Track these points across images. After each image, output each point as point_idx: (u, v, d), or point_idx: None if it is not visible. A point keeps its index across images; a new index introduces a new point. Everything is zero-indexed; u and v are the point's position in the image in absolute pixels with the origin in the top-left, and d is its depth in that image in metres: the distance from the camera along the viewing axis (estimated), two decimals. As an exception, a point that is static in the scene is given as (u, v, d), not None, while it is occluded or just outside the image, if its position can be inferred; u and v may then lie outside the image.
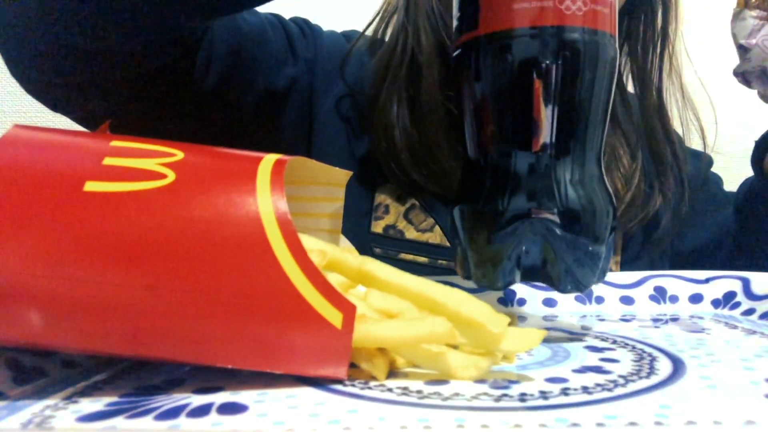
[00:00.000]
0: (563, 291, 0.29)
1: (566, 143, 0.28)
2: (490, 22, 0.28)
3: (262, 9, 0.59)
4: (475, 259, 0.30)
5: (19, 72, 0.45)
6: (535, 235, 0.28)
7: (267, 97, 0.56)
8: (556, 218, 0.28)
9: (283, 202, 0.22)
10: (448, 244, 0.55)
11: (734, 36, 0.48)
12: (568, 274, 0.29)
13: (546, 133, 0.28)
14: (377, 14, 0.61)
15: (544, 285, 0.41)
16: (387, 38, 0.59)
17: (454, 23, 0.30)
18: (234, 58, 0.52)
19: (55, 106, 0.49)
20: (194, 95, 0.51)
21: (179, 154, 0.24)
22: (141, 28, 0.41)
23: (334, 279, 0.25)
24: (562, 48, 0.27)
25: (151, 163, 0.23)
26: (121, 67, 0.45)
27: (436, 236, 0.55)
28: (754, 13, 0.47)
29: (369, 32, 0.61)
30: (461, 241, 0.31)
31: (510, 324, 0.23)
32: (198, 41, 0.49)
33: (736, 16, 0.48)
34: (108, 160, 0.22)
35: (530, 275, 0.30)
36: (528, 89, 0.28)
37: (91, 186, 0.21)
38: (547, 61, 0.27)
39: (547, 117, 0.28)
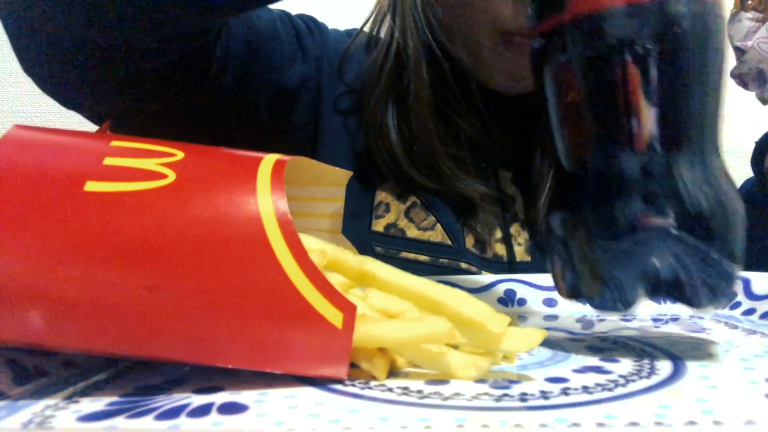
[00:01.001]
0: (699, 306, 0.25)
1: (681, 136, 0.25)
2: (579, 3, 0.24)
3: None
4: (588, 277, 0.26)
5: (33, 68, 0.45)
6: (658, 247, 0.24)
7: (278, 95, 0.56)
8: (678, 225, 0.24)
9: (284, 201, 0.22)
10: (449, 242, 0.55)
11: (730, 38, 0.48)
12: (702, 287, 0.25)
13: (656, 128, 0.24)
14: (371, 14, 0.61)
15: (544, 284, 0.41)
16: (382, 37, 0.60)
17: (530, 9, 0.27)
18: (250, 55, 0.53)
19: (68, 104, 0.49)
20: (210, 93, 0.51)
21: (179, 154, 0.24)
22: (158, 24, 0.41)
23: (335, 279, 0.25)
24: (666, 25, 0.24)
25: (152, 163, 0.23)
26: (137, 61, 0.44)
27: (437, 234, 0.55)
28: (750, 14, 0.47)
29: (366, 30, 0.61)
30: (563, 255, 0.27)
31: (510, 324, 0.23)
32: (215, 38, 0.49)
33: (732, 18, 0.48)
34: (108, 160, 0.22)
35: (656, 292, 0.25)
36: (630, 78, 0.24)
37: (91, 186, 0.21)
38: (650, 43, 0.24)
39: (655, 109, 0.24)
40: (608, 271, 0.25)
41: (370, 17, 0.61)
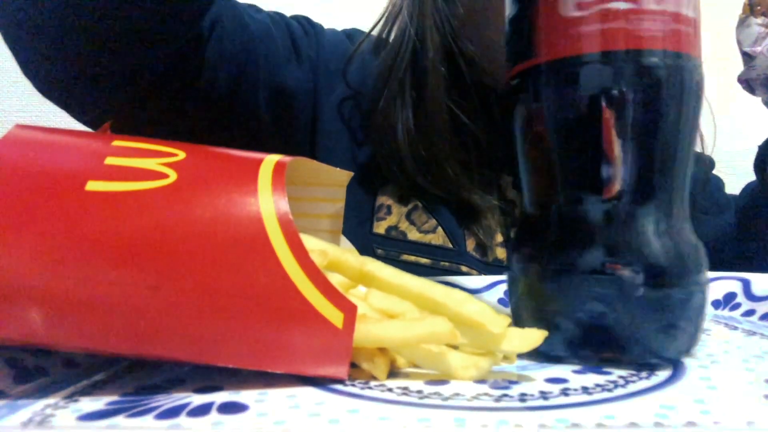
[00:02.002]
0: (644, 361, 0.25)
1: (648, 187, 0.24)
2: (553, 48, 0.24)
3: (266, 6, 0.58)
4: (535, 317, 0.26)
5: (30, 67, 0.45)
6: (612, 297, 0.24)
7: (276, 96, 0.56)
8: (639, 276, 0.24)
9: (285, 202, 0.22)
10: (450, 245, 0.55)
11: (739, 43, 0.48)
12: (652, 342, 0.24)
13: (623, 176, 0.24)
14: (382, 15, 0.61)
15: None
16: (391, 39, 0.59)
17: (507, 49, 0.27)
18: (243, 56, 0.53)
19: (66, 105, 0.49)
20: (206, 95, 0.51)
21: (181, 154, 0.24)
22: (151, 6, 0.41)
23: (335, 279, 0.25)
24: (639, 75, 0.24)
25: (153, 163, 0.23)
26: (136, 54, 0.44)
27: (438, 237, 0.55)
28: (760, 20, 0.47)
29: (374, 32, 0.61)
30: (519, 299, 0.27)
31: (510, 324, 0.23)
32: (207, 37, 0.49)
33: (741, 23, 0.48)
34: (110, 160, 0.23)
35: (604, 345, 0.25)
36: (600, 125, 0.24)
37: (92, 186, 0.21)
38: (622, 92, 0.24)
39: (623, 156, 0.24)
40: (558, 313, 0.25)
41: (381, 17, 0.60)
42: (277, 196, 0.22)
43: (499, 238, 0.57)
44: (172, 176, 0.22)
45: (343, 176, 0.33)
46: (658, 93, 0.24)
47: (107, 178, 0.22)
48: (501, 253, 0.57)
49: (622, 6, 0.23)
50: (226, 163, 0.24)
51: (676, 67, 0.24)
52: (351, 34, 0.64)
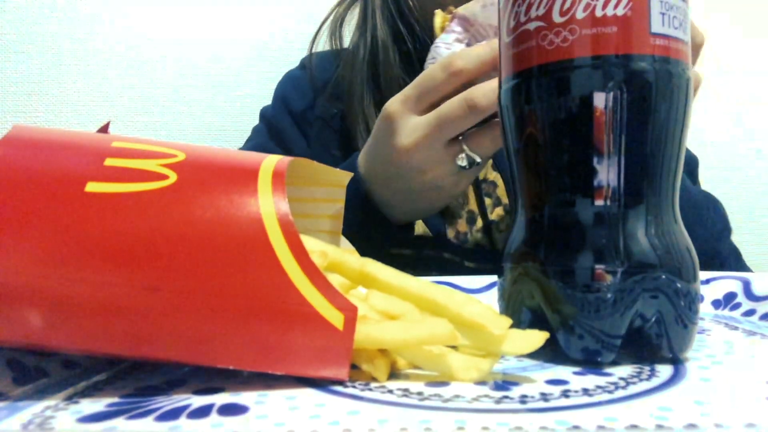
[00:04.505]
0: (656, 357, 0.25)
1: (638, 189, 0.25)
2: (546, 50, 0.25)
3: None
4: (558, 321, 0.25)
5: None
6: (604, 297, 0.24)
7: None
8: (626, 278, 0.24)
9: (285, 203, 0.22)
10: (430, 233, 0.56)
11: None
12: (664, 339, 0.25)
13: (613, 179, 0.25)
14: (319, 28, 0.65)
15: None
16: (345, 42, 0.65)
17: (500, 54, 0.28)
18: None
19: None
20: None
21: (180, 155, 0.24)
22: None
23: (335, 280, 0.25)
24: (630, 79, 0.24)
25: (153, 164, 0.23)
26: None
27: (418, 227, 0.56)
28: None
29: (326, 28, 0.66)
30: (510, 298, 0.28)
31: (511, 326, 0.23)
32: None
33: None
34: (109, 161, 0.22)
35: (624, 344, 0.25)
36: (592, 127, 0.24)
37: (92, 187, 0.21)
38: (614, 95, 0.24)
39: (613, 159, 0.24)
40: (549, 313, 0.25)
41: (318, 31, 0.65)
42: (277, 197, 0.22)
43: (480, 223, 0.58)
44: (172, 177, 0.22)
45: (343, 176, 0.33)
46: (648, 95, 0.24)
47: (107, 179, 0.22)
48: (482, 238, 0.58)
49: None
50: (226, 164, 0.24)
51: (664, 70, 0.24)
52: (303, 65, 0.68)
